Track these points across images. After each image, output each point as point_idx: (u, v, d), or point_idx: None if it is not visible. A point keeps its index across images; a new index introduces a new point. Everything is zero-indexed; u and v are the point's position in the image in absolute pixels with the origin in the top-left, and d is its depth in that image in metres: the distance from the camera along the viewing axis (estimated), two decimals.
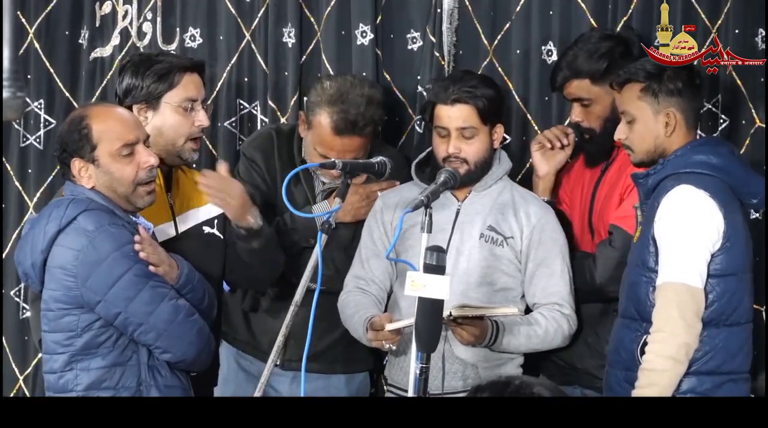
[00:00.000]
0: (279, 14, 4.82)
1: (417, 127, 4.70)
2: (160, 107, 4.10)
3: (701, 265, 3.90)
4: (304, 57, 4.83)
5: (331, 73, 4.72)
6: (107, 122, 3.84)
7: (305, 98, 4.72)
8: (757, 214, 4.31)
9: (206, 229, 4.15)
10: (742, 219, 4.00)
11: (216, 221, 4.15)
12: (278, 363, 4.36)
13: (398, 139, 4.75)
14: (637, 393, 3.90)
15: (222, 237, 4.16)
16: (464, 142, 4.24)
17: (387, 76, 4.76)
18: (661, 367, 3.88)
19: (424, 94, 4.62)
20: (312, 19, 4.82)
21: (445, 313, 3.95)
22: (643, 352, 3.93)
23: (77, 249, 3.77)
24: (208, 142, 4.87)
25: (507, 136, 4.60)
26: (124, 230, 3.81)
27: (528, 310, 4.30)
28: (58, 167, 4.93)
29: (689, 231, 3.90)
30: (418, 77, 4.71)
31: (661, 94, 4.02)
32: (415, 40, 4.74)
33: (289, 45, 4.81)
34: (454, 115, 4.23)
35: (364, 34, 4.74)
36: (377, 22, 4.75)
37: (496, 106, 4.28)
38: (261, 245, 4.11)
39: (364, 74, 4.70)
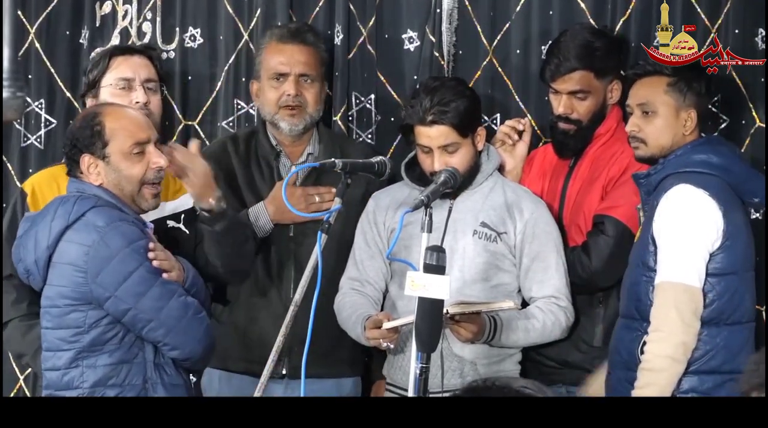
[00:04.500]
0: (268, 14, 4.83)
1: None
2: (100, 93, 4.20)
3: (699, 264, 3.90)
4: None
5: None
6: (120, 120, 3.88)
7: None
8: (758, 214, 4.31)
9: (170, 223, 4.16)
10: (743, 218, 4.01)
11: (183, 216, 4.16)
12: (284, 372, 4.37)
13: (393, 140, 4.74)
14: (636, 392, 3.90)
15: (188, 232, 4.15)
16: (448, 156, 4.24)
17: (381, 77, 4.76)
18: (660, 367, 3.88)
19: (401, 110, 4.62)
20: (295, 19, 4.82)
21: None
22: (642, 352, 3.93)
23: (88, 245, 3.78)
24: (207, 142, 4.87)
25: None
26: (134, 227, 3.83)
27: (525, 304, 4.31)
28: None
29: (687, 230, 3.90)
30: (415, 77, 4.71)
31: (690, 92, 4.03)
32: (412, 40, 4.74)
33: None
34: (434, 134, 4.22)
35: (338, 34, 4.75)
36: (368, 22, 4.75)
37: (473, 115, 4.27)
38: (224, 228, 4.08)
39: (336, 74, 4.74)
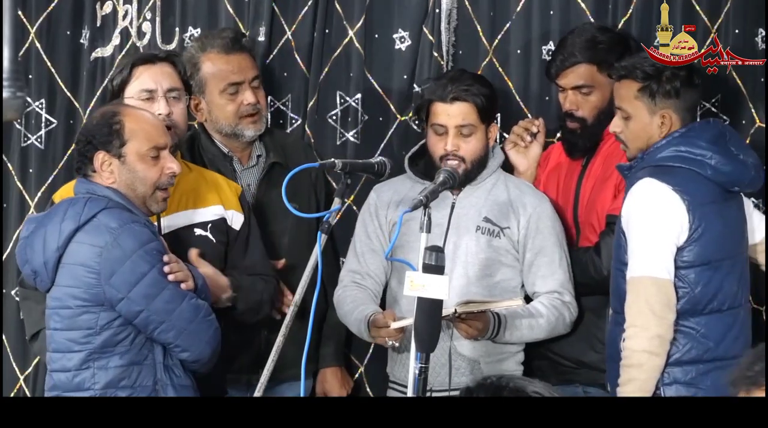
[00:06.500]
0: (256, 13, 4.83)
1: (412, 125, 4.68)
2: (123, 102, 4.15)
3: (666, 257, 3.91)
4: (272, 55, 4.84)
5: (305, 71, 4.78)
6: (140, 123, 3.89)
7: (269, 97, 4.72)
8: (758, 202, 4.28)
9: (197, 232, 4.15)
10: (718, 208, 3.97)
11: (210, 225, 4.16)
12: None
13: (381, 140, 4.74)
14: (620, 389, 3.93)
15: (215, 240, 4.16)
16: (462, 139, 4.26)
17: (369, 76, 4.76)
18: (638, 362, 3.91)
19: (419, 91, 4.62)
20: (282, 19, 4.82)
21: (450, 311, 3.97)
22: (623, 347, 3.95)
23: (101, 246, 3.78)
24: None
25: (506, 136, 4.59)
26: (146, 228, 3.84)
27: (528, 300, 4.32)
28: (59, 166, 4.97)
29: (649, 224, 3.92)
30: (405, 77, 4.71)
31: (659, 95, 4.02)
32: (403, 40, 4.74)
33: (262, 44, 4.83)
34: (453, 112, 4.24)
35: (325, 33, 4.77)
36: (355, 22, 4.75)
37: (493, 105, 4.31)
38: (242, 305, 4.14)
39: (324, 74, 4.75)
